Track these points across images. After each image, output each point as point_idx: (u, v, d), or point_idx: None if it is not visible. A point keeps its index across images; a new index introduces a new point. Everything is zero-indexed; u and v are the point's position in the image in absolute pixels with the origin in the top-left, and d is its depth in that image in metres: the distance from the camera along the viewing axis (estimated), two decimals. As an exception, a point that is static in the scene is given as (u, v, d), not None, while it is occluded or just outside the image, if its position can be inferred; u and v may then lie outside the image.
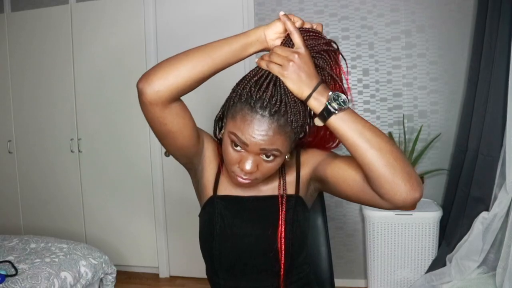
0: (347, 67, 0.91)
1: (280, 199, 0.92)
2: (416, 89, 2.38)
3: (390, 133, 2.39)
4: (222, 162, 0.98)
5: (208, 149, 0.97)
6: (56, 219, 2.94)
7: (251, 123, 0.77)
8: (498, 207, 1.96)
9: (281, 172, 0.96)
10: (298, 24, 0.80)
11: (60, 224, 2.92)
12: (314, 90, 0.75)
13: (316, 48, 0.80)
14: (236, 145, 0.81)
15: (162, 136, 0.86)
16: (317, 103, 0.75)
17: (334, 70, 0.83)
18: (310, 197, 1.00)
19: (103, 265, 1.99)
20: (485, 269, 2.05)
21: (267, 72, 0.79)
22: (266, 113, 0.77)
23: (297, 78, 0.75)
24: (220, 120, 0.92)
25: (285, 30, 0.79)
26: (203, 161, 0.97)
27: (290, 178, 0.96)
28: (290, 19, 0.79)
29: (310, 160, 0.96)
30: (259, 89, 0.77)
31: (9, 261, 1.79)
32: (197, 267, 2.67)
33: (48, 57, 2.84)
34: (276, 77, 0.78)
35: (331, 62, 0.82)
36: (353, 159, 0.80)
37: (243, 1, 2.50)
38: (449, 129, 2.36)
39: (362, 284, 2.52)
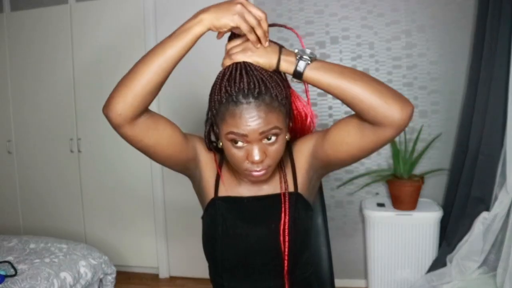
0: (300, 41, 0.92)
1: (283, 197, 0.91)
2: (416, 89, 2.37)
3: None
4: (220, 167, 0.97)
5: (202, 152, 0.96)
6: (56, 219, 2.94)
7: (241, 114, 0.78)
8: (499, 207, 1.96)
9: (280, 169, 0.95)
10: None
11: (59, 224, 2.92)
12: (280, 53, 0.79)
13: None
14: (237, 142, 0.81)
15: (144, 151, 0.86)
16: (288, 64, 0.78)
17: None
18: (313, 190, 0.99)
19: (103, 265, 1.98)
20: (486, 269, 2.05)
21: (233, 65, 0.80)
22: (250, 99, 0.77)
23: (263, 51, 0.79)
24: (209, 134, 0.92)
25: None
26: (199, 165, 0.97)
27: (288, 175, 0.96)
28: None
29: (303, 149, 0.95)
30: (234, 83, 0.78)
31: (8, 262, 1.79)
32: (197, 268, 2.67)
33: (48, 57, 2.83)
34: (244, 64, 0.79)
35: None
36: (337, 123, 0.85)
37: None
38: (449, 129, 2.36)
39: (362, 284, 2.52)
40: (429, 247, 2.19)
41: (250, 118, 0.78)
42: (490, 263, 2.04)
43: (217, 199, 0.95)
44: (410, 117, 0.76)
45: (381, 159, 2.45)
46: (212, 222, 0.94)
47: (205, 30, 0.77)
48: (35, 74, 2.87)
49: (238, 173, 0.93)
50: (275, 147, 0.83)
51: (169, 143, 0.86)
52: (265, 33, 0.79)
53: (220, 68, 0.84)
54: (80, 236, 2.88)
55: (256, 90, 0.77)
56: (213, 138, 0.94)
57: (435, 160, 2.38)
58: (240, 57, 0.79)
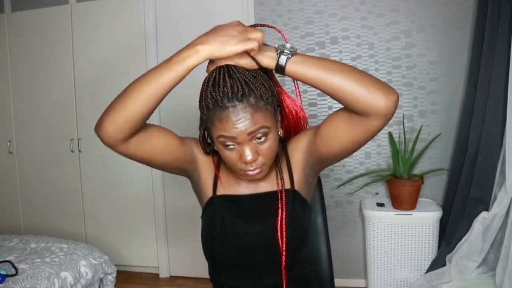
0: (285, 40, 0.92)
1: (279, 194, 0.92)
2: (416, 89, 2.38)
3: (390, 133, 2.39)
4: (218, 168, 0.99)
5: (199, 154, 0.98)
6: (56, 219, 2.94)
7: (228, 118, 0.79)
8: (498, 207, 1.96)
9: (277, 166, 0.96)
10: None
11: (60, 224, 2.93)
12: (261, 50, 0.79)
13: None
14: (228, 144, 0.83)
15: (141, 162, 0.89)
16: (269, 59, 0.79)
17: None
18: (310, 187, 1.00)
19: (103, 265, 1.99)
20: (485, 269, 2.05)
21: (216, 71, 0.80)
22: (235, 102, 0.78)
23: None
24: (203, 138, 0.94)
25: None
26: (197, 166, 0.99)
27: (284, 173, 0.96)
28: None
29: (298, 146, 0.96)
30: (218, 88, 0.78)
31: (9, 261, 1.79)
32: (197, 267, 2.68)
33: (48, 57, 2.84)
34: (226, 68, 0.80)
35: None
36: (326, 118, 0.85)
37: (243, 1, 2.50)
38: (449, 129, 2.36)
39: (362, 284, 2.52)
40: (428, 247, 2.20)
41: (237, 120, 0.79)
42: (489, 263, 2.05)
43: (215, 198, 0.96)
44: (395, 105, 0.75)
45: (381, 159, 2.46)
46: (210, 220, 0.95)
47: (201, 61, 0.77)
48: (36, 74, 2.88)
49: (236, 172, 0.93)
50: (266, 145, 0.84)
51: (164, 152, 0.88)
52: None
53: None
54: (80, 235, 2.89)
55: (240, 93, 0.78)
56: (209, 140, 0.95)
57: (435, 160, 2.38)
58: (221, 61, 0.79)
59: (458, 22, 2.29)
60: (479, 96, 2.09)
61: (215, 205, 0.95)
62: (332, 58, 2.42)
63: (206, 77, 0.83)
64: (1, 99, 2.97)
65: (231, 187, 0.97)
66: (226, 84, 0.78)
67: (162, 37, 2.63)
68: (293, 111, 0.96)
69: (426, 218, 2.17)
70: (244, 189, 0.97)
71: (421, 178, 2.24)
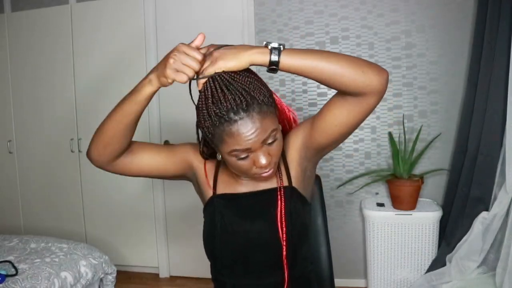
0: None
1: (278, 190, 0.93)
2: (416, 89, 2.38)
3: (390, 133, 2.39)
4: (217, 169, 1.01)
5: (196, 158, 1.00)
6: (56, 219, 2.94)
7: (239, 131, 0.78)
8: (498, 207, 1.96)
9: None
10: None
11: (60, 224, 2.93)
12: (252, 49, 0.78)
13: None
14: (240, 156, 0.83)
15: (137, 176, 0.97)
16: (262, 55, 0.77)
17: None
18: (308, 181, 1.00)
19: (103, 265, 1.99)
20: (485, 269, 2.05)
21: (210, 85, 0.78)
22: (242, 114, 0.77)
23: (231, 54, 0.78)
24: (203, 152, 0.96)
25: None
26: (195, 170, 1.00)
27: (281, 169, 0.97)
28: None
29: (293, 142, 0.97)
30: (220, 103, 0.77)
31: (9, 261, 1.79)
32: (197, 267, 2.68)
33: (48, 57, 2.84)
34: (220, 80, 0.78)
35: None
36: (320, 111, 0.87)
37: (243, 1, 2.50)
38: (449, 129, 2.36)
39: (362, 284, 2.52)
40: (428, 247, 2.20)
41: (248, 132, 0.78)
42: (489, 263, 2.05)
43: (215, 197, 0.97)
44: (387, 81, 0.79)
45: (381, 159, 2.46)
46: (211, 219, 0.96)
47: (155, 89, 0.82)
48: (36, 74, 2.88)
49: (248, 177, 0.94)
50: (276, 145, 0.85)
51: (151, 167, 0.95)
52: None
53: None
54: (80, 235, 2.89)
55: (244, 103, 0.77)
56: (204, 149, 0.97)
57: (435, 160, 2.38)
58: (211, 70, 0.78)
59: (458, 22, 2.29)
60: (479, 96, 2.09)
61: (215, 204, 0.96)
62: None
63: (201, 95, 0.80)
64: (1, 99, 2.97)
65: (231, 186, 0.98)
66: (227, 98, 0.77)
67: (162, 37, 2.63)
68: (278, 106, 0.96)
69: (426, 218, 2.18)
70: (243, 187, 0.97)
71: (421, 178, 2.24)
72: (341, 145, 2.42)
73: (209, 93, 0.78)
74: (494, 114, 2.02)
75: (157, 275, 2.84)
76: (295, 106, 2.47)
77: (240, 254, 0.93)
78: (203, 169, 1.00)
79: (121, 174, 0.95)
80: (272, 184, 0.96)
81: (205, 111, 0.79)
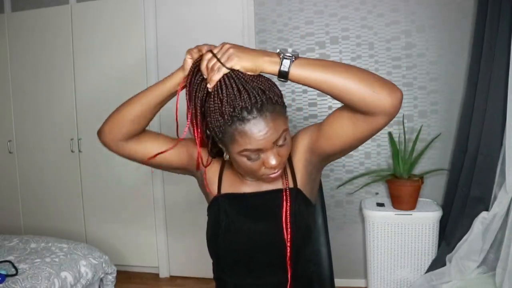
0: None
1: (284, 191, 0.92)
2: (416, 89, 2.38)
3: (390, 133, 2.39)
4: (222, 168, 1.00)
5: (202, 155, 0.98)
6: (56, 219, 2.94)
7: (251, 131, 0.77)
8: (498, 207, 1.96)
9: None
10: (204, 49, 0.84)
11: (60, 224, 2.93)
12: (264, 55, 0.77)
13: None
14: (250, 157, 0.82)
15: (141, 163, 0.97)
16: (273, 65, 0.77)
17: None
18: (313, 184, 0.99)
19: (103, 265, 1.99)
20: (485, 269, 2.05)
21: (224, 83, 0.77)
22: (255, 113, 0.76)
23: (247, 55, 0.77)
24: (211, 150, 0.95)
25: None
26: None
27: (287, 171, 0.96)
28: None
29: (299, 145, 0.96)
30: (234, 101, 0.76)
31: (9, 261, 1.80)
32: (197, 267, 2.68)
33: (48, 57, 2.84)
34: (234, 77, 0.76)
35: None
36: (329, 117, 0.85)
37: (243, 1, 2.50)
38: (449, 129, 2.36)
39: (362, 284, 2.52)
40: (428, 247, 2.20)
41: (260, 132, 0.77)
42: (489, 263, 2.05)
43: (219, 197, 0.97)
44: (400, 103, 0.75)
45: (381, 159, 2.46)
46: (215, 219, 0.96)
47: (181, 78, 0.86)
48: (36, 74, 2.88)
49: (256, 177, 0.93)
50: (285, 146, 0.84)
51: (155, 159, 0.94)
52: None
53: None
54: (80, 235, 2.89)
55: (260, 103, 0.76)
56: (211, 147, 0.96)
57: (435, 160, 2.38)
58: (228, 65, 0.76)
59: (458, 22, 2.29)
60: (479, 96, 2.09)
61: (220, 203, 0.96)
62: (332, 58, 2.45)
63: (215, 92, 0.78)
64: (1, 99, 2.97)
65: (235, 186, 0.98)
66: (242, 96, 0.75)
67: (162, 37, 2.63)
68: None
69: (426, 218, 2.18)
70: (248, 187, 0.97)
71: (421, 178, 2.24)
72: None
73: (224, 91, 0.77)
74: (494, 114, 2.02)
75: (157, 275, 2.84)
76: (295, 106, 2.47)
77: (243, 253, 0.93)
78: (214, 162, 1.00)
79: (124, 156, 0.96)
80: (277, 185, 0.95)
81: (218, 110, 0.77)
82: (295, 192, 0.94)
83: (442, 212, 2.21)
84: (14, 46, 2.90)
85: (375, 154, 2.46)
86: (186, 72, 0.84)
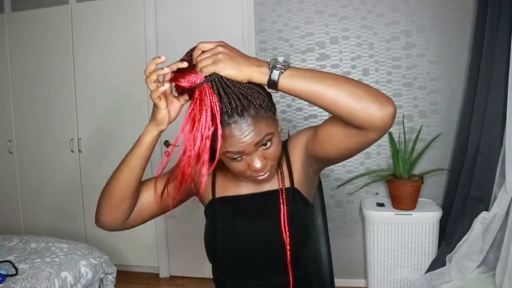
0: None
1: (280, 192, 0.93)
2: (416, 89, 2.38)
3: (390, 133, 2.39)
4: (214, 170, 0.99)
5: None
6: (56, 219, 2.94)
7: (231, 134, 0.78)
8: (498, 207, 1.96)
9: (277, 165, 0.96)
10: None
11: (60, 224, 2.93)
12: (253, 64, 0.75)
13: None
14: (236, 158, 0.83)
15: (152, 218, 1.02)
16: (261, 74, 0.75)
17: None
18: (311, 185, 1.00)
19: (103, 265, 1.99)
20: (485, 269, 2.05)
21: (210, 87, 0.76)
22: (236, 117, 0.77)
23: (234, 63, 0.74)
24: None
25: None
26: (194, 182, 0.99)
27: (284, 171, 0.97)
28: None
29: (297, 145, 0.96)
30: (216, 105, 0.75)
31: (9, 261, 1.79)
32: (197, 267, 2.68)
33: (48, 57, 2.84)
34: (219, 82, 0.75)
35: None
36: (324, 122, 0.84)
37: (243, 1, 2.50)
38: (449, 129, 2.36)
39: (362, 284, 2.52)
40: (428, 247, 2.20)
41: (241, 135, 0.78)
42: (489, 263, 2.05)
43: (215, 200, 0.97)
44: (392, 118, 0.73)
45: (381, 159, 2.46)
46: (211, 222, 0.96)
47: (155, 135, 0.84)
48: (36, 74, 2.88)
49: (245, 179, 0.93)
50: (272, 149, 0.84)
51: (158, 203, 0.96)
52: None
53: None
54: (80, 235, 2.89)
55: (240, 108, 0.76)
56: None
57: (435, 160, 2.38)
58: (211, 69, 0.74)
59: (458, 22, 2.29)
60: (479, 96, 2.09)
61: (215, 207, 0.96)
62: (332, 58, 2.45)
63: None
64: (1, 99, 2.97)
65: (231, 189, 0.98)
66: (223, 101, 0.75)
67: (162, 37, 2.63)
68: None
69: (426, 218, 2.18)
70: (245, 189, 0.97)
71: (421, 178, 2.24)
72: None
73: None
74: (494, 114, 2.02)
75: (157, 275, 2.84)
76: (295, 106, 2.47)
77: (242, 256, 0.93)
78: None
79: (137, 226, 0.99)
80: (273, 185, 0.95)
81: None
82: (292, 192, 0.94)
83: (442, 212, 2.21)
84: (14, 46, 2.90)
85: (375, 154, 2.46)
86: (162, 112, 0.79)
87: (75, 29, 2.77)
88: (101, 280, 2.04)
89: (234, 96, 0.76)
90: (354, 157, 2.47)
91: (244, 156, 0.83)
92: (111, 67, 2.71)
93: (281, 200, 0.91)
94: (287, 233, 0.89)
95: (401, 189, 2.22)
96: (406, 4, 2.34)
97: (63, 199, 2.91)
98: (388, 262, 2.25)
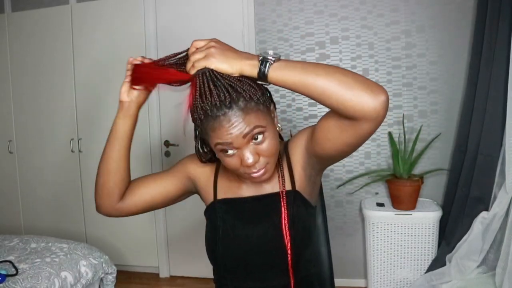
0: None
1: (281, 194, 0.92)
2: (416, 89, 2.38)
3: (390, 133, 2.40)
4: (216, 173, 1.01)
5: (194, 170, 1.01)
6: (56, 218, 2.94)
7: (221, 126, 0.78)
8: (498, 207, 1.96)
9: (278, 166, 0.95)
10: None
11: (60, 224, 2.93)
12: (243, 58, 0.77)
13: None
14: (227, 151, 0.82)
15: (148, 211, 1.02)
16: (251, 67, 0.76)
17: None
18: (313, 186, 0.98)
19: (104, 265, 1.99)
20: (485, 268, 2.06)
21: (200, 79, 0.78)
22: (224, 109, 0.77)
23: (224, 57, 0.77)
24: (200, 148, 0.96)
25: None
26: (196, 181, 1.02)
27: (285, 173, 0.96)
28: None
29: (297, 146, 0.95)
30: (205, 98, 0.77)
31: (9, 261, 1.80)
32: (197, 267, 2.68)
33: (48, 57, 2.84)
34: (209, 75, 0.77)
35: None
36: (320, 119, 0.83)
37: (243, 1, 2.50)
38: (449, 129, 2.36)
39: (362, 284, 2.52)
40: (428, 247, 2.20)
41: (230, 126, 0.78)
42: (489, 263, 2.05)
43: (216, 202, 0.97)
44: (385, 107, 0.70)
45: (381, 159, 2.46)
46: (212, 225, 0.95)
47: (127, 121, 0.96)
48: (36, 74, 2.88)
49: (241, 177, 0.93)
50: (265, 144, 0.83)
51: (154, 197, 0.99)
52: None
53: None
54: (80, 235, 2.89)
55: (228, 100, 0.77)
56: (205, 149, 0.97)
57: (435, 160, 2.39)
58: (202, 64, 0.77)
59: (458, 22, 2.30)
60: (479, 96, 2.09)
61: (217, 209, 0.96)
62: (332, 58, 2.45)
63: (191, 90, 0.80)
64: (1, 99, 2.98)
65: (232, 191, 0.97)
66: (212, 93, 0.76)
67: (162, 37, 2.63)
68: None
69: (426, 218, 2.18)
70: (246, 191, 0.96)
71: (421, 178, 2.24)
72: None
73: (197, 87, 0.78)
74: (494, 114, 2.02)
75: (157, 275, 2.84)
76: (295, 106, 2.47)
77: (242, 258, 0.93)
78: (202, 175, 1.01)
79: (131, 215, 1.00)
80: (275, 188, 0.94)
81: (193, 105, 0.80)
82: (293, 194, 0.93)
83: (442, 212, 2.21)
84: (14, 46, 2.91)
85: (375, 154, 2.46)
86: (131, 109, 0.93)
87: (75, 29, 2.77)
88: (101, 280, 2.04)
89: (223, 89, 0.77)
90: (354, 157, 2.47)
91: (236, 150, 0.82)
92: (111, 67, 2.71)
93: (282, 203, 0.91)
94: (288, 237, 0.88)
95: (401, 189, 2.22)
96: (406, 4, 2.34)
97: (63, 199, 2.92)
98: (388, 262, 2.25)
